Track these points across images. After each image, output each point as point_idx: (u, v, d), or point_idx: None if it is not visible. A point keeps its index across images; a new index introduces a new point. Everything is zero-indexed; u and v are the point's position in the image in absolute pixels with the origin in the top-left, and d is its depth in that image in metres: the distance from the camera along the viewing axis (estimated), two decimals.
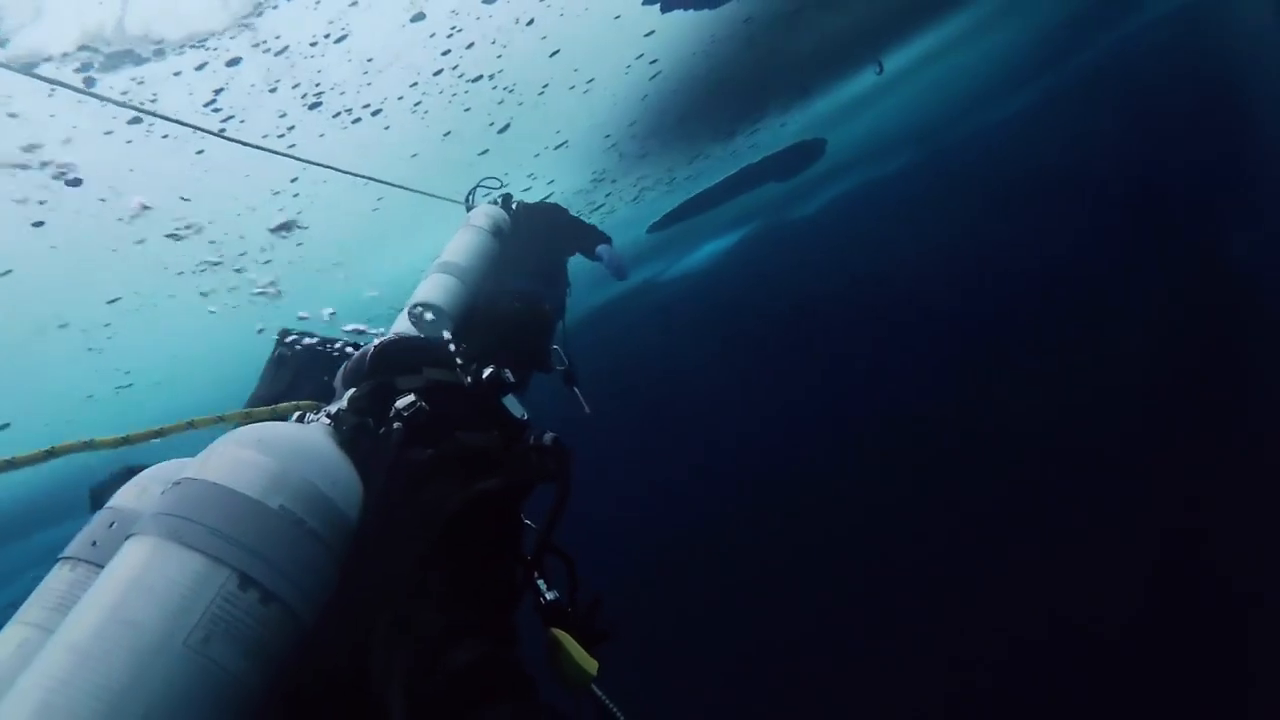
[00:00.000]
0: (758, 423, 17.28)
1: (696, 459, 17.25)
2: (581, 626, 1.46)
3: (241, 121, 6.58)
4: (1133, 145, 17.53)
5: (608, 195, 15.19)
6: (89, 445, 1.28)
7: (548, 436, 1.50)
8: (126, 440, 1.31)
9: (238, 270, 9.35)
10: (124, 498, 1.29)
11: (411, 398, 1.43)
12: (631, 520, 12.97)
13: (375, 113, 7.48)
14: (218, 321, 10.57)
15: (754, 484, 14.11)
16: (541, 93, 9.06)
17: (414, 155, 8.77)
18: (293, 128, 6.92)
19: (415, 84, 7.39)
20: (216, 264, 8.92)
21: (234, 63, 5.80)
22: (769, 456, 15.61)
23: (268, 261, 9.52)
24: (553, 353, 2.50)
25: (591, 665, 1.39)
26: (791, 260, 28.17)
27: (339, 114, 7.15)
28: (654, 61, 9.83)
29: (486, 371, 1.62)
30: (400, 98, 7.49)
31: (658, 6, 8.28)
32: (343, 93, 6.86)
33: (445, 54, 7.13)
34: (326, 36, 6.04)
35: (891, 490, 11.28)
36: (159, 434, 1.36)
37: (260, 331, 10.88)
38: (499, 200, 3.37)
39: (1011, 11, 16.26)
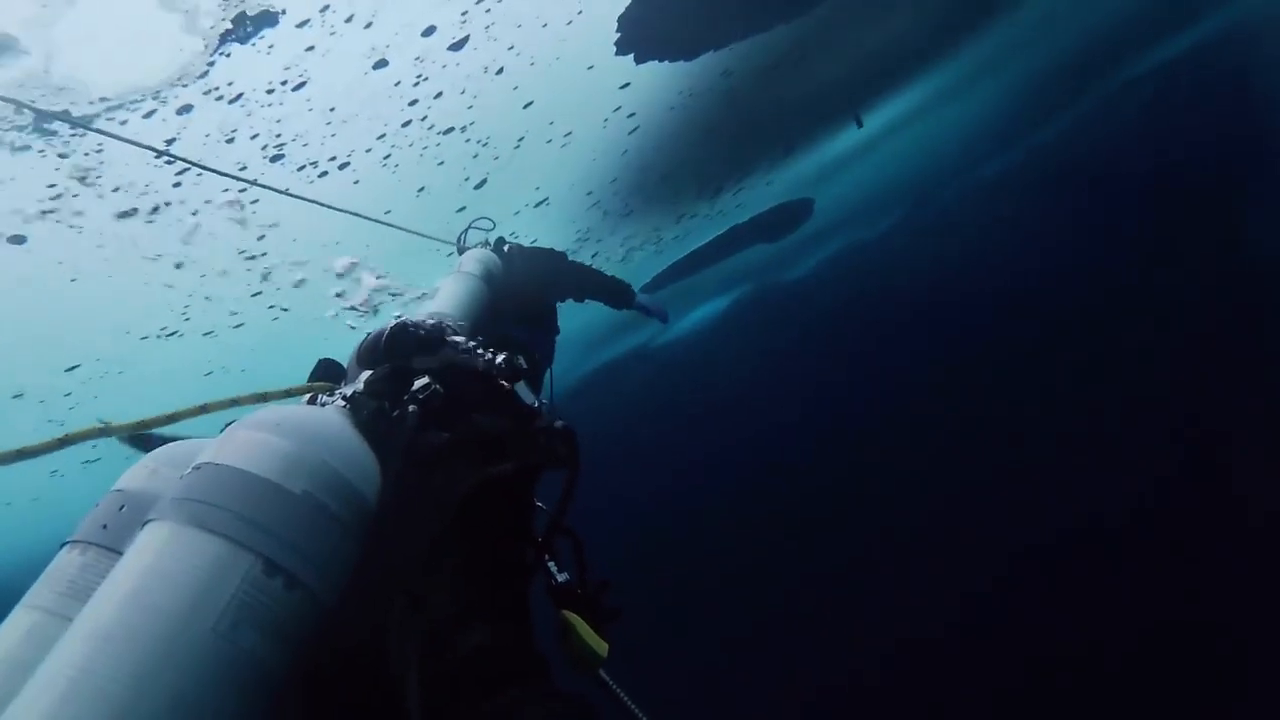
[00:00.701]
0: (762, 491, 17.21)
1: (694, 529, 16.82)
2: (591, 607, 1.49)
3: (198, 175, 6.36)
4: (1138, 198, 17.43)
5: (594, 255, 15.03)
6: (104, 431, 1.25)
7: (559, 423, 1.53)
8: (141, 425, 1.29)
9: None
10: (133, 480, 1.27)
11: (426, 380, 1.46)
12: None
13: (342, 166, 7.27)
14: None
15: (750, 563, 14.01)
16: (518, 146, 8.91)
17: (387, 212, 8.55)
18: (255, 181, 6.68)
19: (383, 135, 7.20)
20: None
21: (185, 110, 5.58)
22: (767, 520, 15.49)
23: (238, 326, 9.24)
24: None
25: (602, 647, 1.43)
26: (785, 323, 28.10)
27: (303, 167, 6.93)
28: (631, 115, 9.73)
29: (500, 357, 1.65)
30: (368, 150, 7.30)
31: (632, 57, 8.19)
32: (305, 144, 6.65)
33: (412, 104, 6.96)
34: (284, 84, 5.84)
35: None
36: (172, 419, 1.33)
37: None
38: (490, 243, 3.33)
39: (995, 68, 16.44)
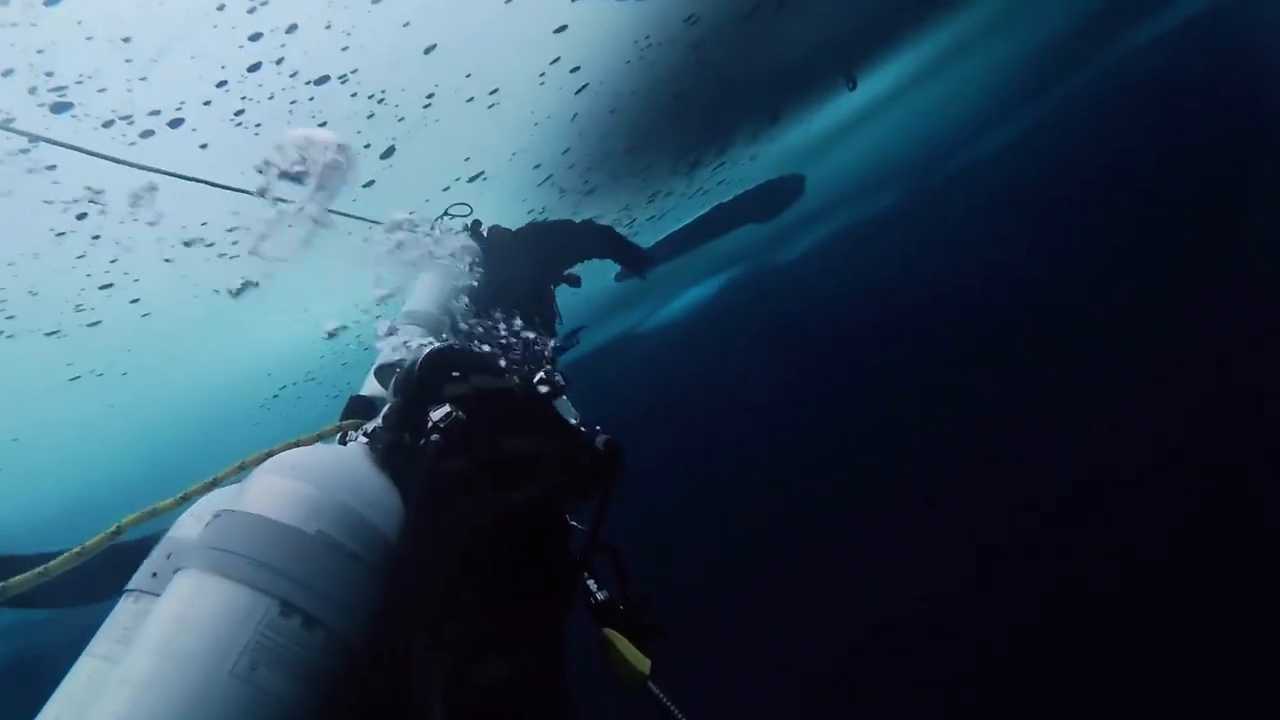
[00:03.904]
0: (759, 483, 16.21)
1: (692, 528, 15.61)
2: (632, 624, 1.47)
3: None
4: (1142, 173, 16.12)
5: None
6: (153, 514, 1.28)
7: (600, 440, 1.51)
8: (154, 511, 1.30)
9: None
10: (182, 529, 1.33)
11: (447, 409, 1.45)
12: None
13: (175, 123, 5.59)
14: None
15: (740, 549, 13.80)
16: (427, 105, 7.20)
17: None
18: (36, 143, 5.00)
19: (224, 84, 5.51)
20: None
21: None
22: (768, 516, 14.85)
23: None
24: None
25: (644, 664, 1.42)
26: (780, 307, 26.61)
27: (111, 122, 5.24)
28: (575, 70, 8.02)
29: (538, 376, 1.67)
30: (207, 103, 5.61)
31: None
32: (103, 89, 4.96)
33: (254, 39, 5.26)
34: None
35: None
36: (213, 484, 1.36)
37: None
38: (467, 229, 3.08)
39: (1002, 27, 14.67)
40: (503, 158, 9.11)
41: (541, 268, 3.22)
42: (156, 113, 5.37)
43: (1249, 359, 9.58)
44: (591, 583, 1.51)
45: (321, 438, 1.52)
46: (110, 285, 7.09)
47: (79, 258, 6.48)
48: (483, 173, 9.23)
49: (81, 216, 5.98)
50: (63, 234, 6.07)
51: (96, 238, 6.39)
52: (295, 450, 1.29)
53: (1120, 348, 11.66)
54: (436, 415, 1.42)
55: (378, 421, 1.44)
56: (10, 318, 6.73)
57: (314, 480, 1.16)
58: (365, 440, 1.39)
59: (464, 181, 9.15)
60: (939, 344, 16.24)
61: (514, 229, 3.43)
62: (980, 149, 25.60)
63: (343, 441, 1.51)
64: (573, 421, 1.62)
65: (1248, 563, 7.38)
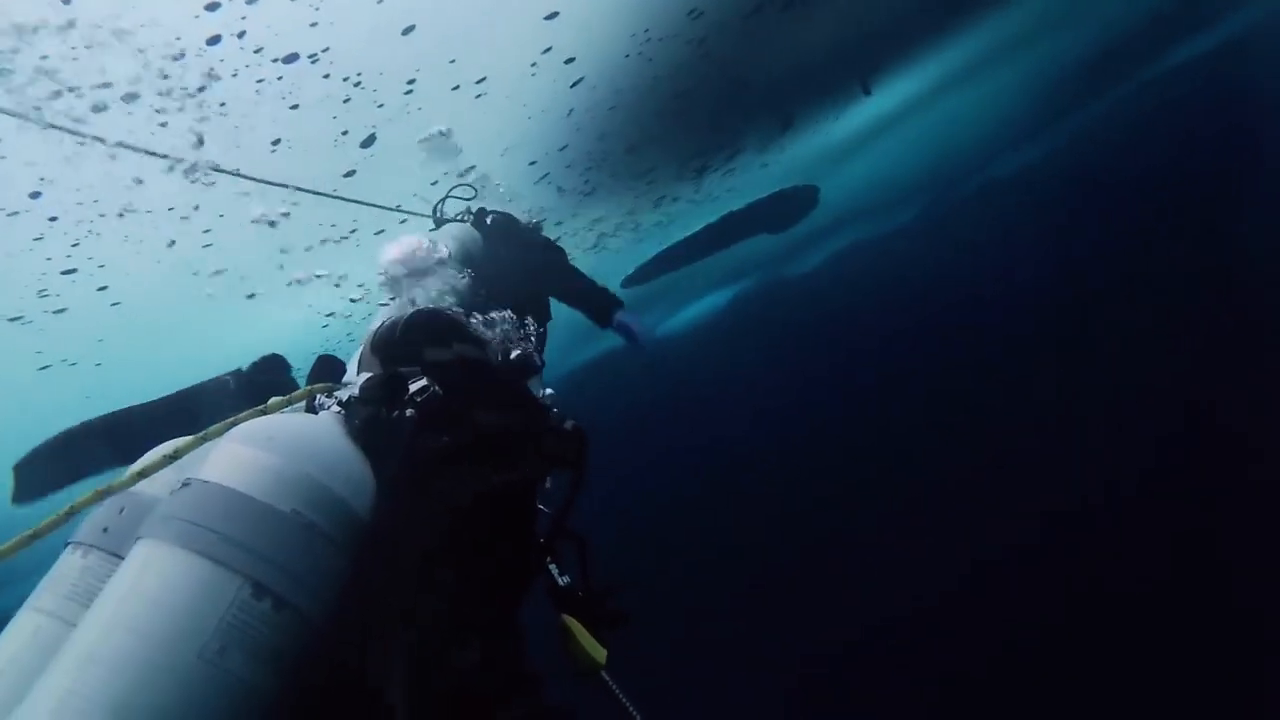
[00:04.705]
0: (762, 502, 15.84)
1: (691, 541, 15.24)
2: (593, 612, 1.46)
3: None
4: (1175, 194, 15.69)
5: (558, 240, 12.94)
6: (107, 492, 1.20)
7: (568, 423, 1.50)
8: (143, 474, 1.22)
9: None
10: (137, 486, 1.24)
11: (424, 382, 1.42)
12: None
13: (130, 98, 5.29)
14: None
15: (740, 551, 13.71)
16: (409, 91, 6.89)
17: (236, 171, 6.54)
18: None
19: (181, 56, 5.21)
20: None
21: None
22: (767, 519, 14.75)
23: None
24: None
25: (600, 653, 1.41)
26: (791, 319, 26.18)
27: (60, 93, 4.94)
28: (570, 61, 7.68)
29: (515, 353, 1.63)
30: (165, 76, 5.31)
31: None
32: (44, 56, 4.66)
33: (212, 9, 4.96)
34: None
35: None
36: (175, 456, 1.24)
37: None
38: (469, 215, 3.03)
39: (1033, 39, 14.20)
40: (493, 152, 8.76)
41: (534, 273, 3.10)
42: (106, 84, 5.05)
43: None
44: (554, 568, 1.50)
45: (290, 403, 1.44)
46: (74, 271, 6.80)
47: (36, 240, 6.19)
48: (474, 166, 8.91)
49: (35, 195, 5.70)
50: (15, 214, 5.78)
51: (54, 219, 6.12)
52: (266, 419, 1.23)
53: (1134, 369, 11.54)
54: (414, 388, 1.38)
55: (353, 390, 1.36)
56: None
57: (288, 454, 1.12)
58: (339, 409, 1.33)
59: (453, 176, 8.85)
60: (950, 362, 15.85)
61: (520, 218, 3.31)
62: (1004, 167, 25.03)
63: (311, 407, 1.45)
64: (542, 401, 1.60)
65: (1248, 570, 7.49)
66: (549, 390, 1.93)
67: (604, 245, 14.41)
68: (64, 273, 6.82)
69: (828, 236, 24.05)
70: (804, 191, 17.55)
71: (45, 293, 6.99)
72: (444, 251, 2.57)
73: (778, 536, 13.86)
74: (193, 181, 6.11)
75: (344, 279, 9.18)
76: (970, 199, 26.46)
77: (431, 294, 2.52)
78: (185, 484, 1.09)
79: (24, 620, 1.10)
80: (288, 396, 1.47)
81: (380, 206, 6.16)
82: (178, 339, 9.09)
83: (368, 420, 1.30)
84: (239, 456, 1.11)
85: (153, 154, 5.67)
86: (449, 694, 1.14)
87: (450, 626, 1.19)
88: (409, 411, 1.36)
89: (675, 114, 10.17)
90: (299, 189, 5.70)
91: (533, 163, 9.58)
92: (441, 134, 7.17)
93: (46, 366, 8.23)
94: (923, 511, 12.17)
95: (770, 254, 23.01)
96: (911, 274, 23.74)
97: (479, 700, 1.17)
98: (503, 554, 1.37)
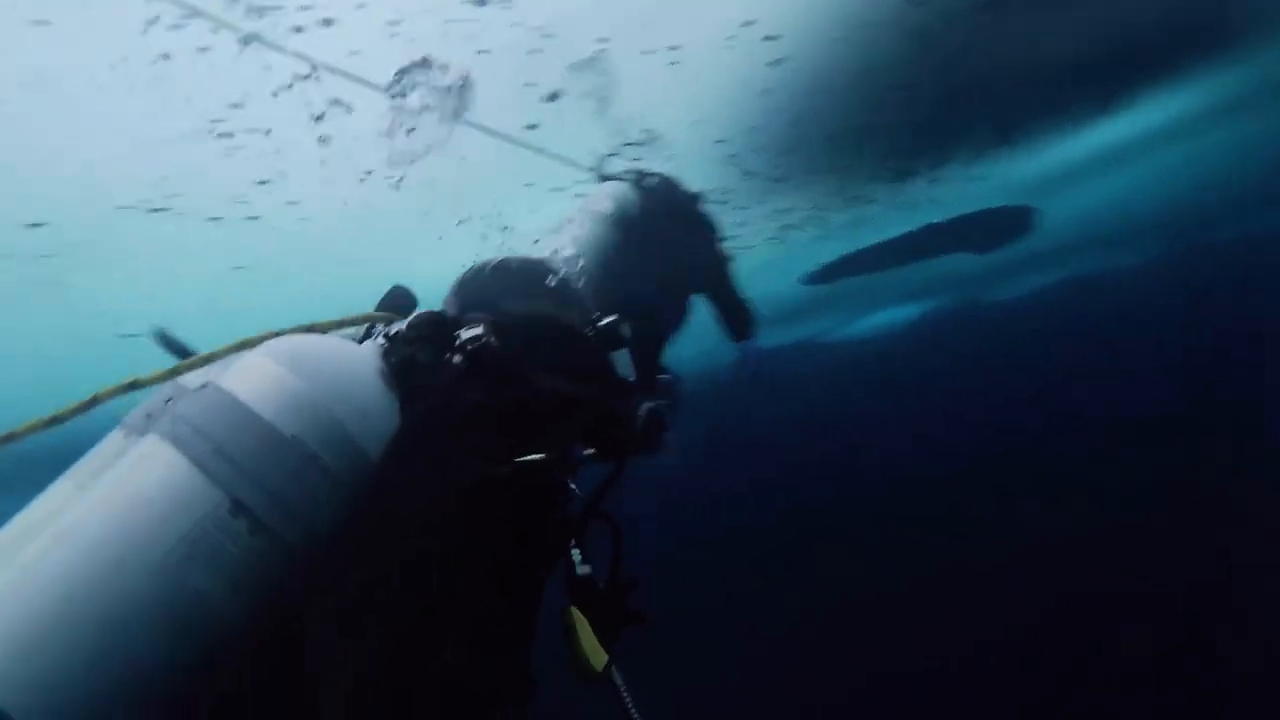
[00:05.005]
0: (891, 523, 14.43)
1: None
2: (607, 608, 1.34)
3: None
4: None
5: (741, 225, 12.53)
6: (133, 385, 1.16)
7: (645, 407, 1.43)
8: (175, 371, 1.18)
9: None
10: (189, 378, 1.19)
11: (480, 330, 1.30)
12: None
13: (328, 21, 5.49)
14: None
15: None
16: (600, 52, 6.75)
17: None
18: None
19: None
20: None
21: None
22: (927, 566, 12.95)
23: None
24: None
25: (599, 658, 1.27)
26: (985, 347, 24.21)
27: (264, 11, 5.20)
28: (769, 39, 7.24)
29: (604, 320, 1.47)
30: (361, 5, 5.46)
31: None
32: None
33: None
34: None
35: None
36: (209, 359, 1.18)
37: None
38: (633, 176, 2.67)
39: None
40: (680, 123, 8.49)
41: (688, 251, 2.76)
42: (308, 8, 5.27)
43: None
44: (577, 553, 1.38)
45: (343, 326, 1.37)
46: (267, 181, 7.30)
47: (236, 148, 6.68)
48: (659, 137, 8.71)
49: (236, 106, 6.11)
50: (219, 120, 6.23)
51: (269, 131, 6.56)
52: (302, 338, 1.19)
53: None
54: (466, 335, 1.29)
55: (402, 326, 1.29)
56: (175, 195, 7.10)
57: (308, 377, 1.08)
58: (385, 342, 1.27)
59: (635, 145, 8.69)
60: (1171, 423, 13.78)
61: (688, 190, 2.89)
62: (1270, 221, 21.70)
63: (367, 336, 1.38)
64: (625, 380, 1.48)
65: None
66: (666, 375, 1.80)
67: (785, 238, 13.80)
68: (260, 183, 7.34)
69: (1040, 265, 21.92)
70: (1018, 212, 16.01)
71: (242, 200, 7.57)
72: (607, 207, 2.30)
73: (884, 556, 12.79)
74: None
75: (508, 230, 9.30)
76: (1224, 250, 23.16)
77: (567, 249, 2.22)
78: (203, 386, 1.08)
79: (59, 486, 1.10)
80: (340, 319, 1.38)
81: (567, 161, 6.13)
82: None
83: (405, 360, 1.23)
84: (259, 369, 1.08)
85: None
86: (417, 694, 1.05)
87: (433, 617, 1.11)
88: (457, 358, 1.27)
89: (883, 108, 9.44)
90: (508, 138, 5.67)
91: (720, 141, 9.22)
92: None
93: (240, 267, 8.99)
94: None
95: (971, 275, 21.36)
96: (1144, 317, 21.05)
97: (451, 703, 1.08)
98: (505, 542, 1.26)
